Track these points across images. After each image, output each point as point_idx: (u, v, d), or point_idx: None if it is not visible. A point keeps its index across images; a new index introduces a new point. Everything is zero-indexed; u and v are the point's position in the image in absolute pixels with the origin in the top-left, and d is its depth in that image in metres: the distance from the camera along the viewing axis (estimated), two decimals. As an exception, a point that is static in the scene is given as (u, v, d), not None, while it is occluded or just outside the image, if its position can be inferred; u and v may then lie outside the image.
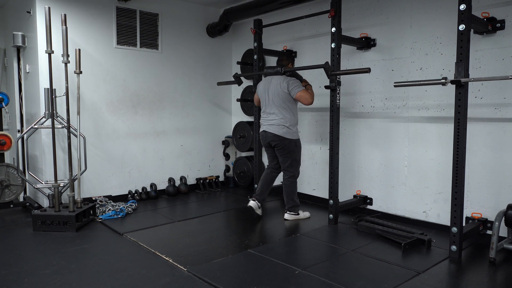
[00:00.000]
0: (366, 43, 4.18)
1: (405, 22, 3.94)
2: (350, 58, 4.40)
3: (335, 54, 3.78)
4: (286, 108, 3.88)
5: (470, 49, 2.96)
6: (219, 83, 5.22)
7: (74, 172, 4.16)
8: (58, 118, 4.13)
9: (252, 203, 4.09)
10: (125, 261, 3.06)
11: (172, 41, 5.26)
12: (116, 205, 4.38)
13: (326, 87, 3.84)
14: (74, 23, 4.42)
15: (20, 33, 4.58)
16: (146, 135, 5.13)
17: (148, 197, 5.03)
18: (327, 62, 3.66)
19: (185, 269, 2.87)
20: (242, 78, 4.87)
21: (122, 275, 2.79)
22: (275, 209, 4.67)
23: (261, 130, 4.04)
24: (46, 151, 4.36)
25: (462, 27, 2.89)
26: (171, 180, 5.30)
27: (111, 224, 3.96)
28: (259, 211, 4.15)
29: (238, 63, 5.45)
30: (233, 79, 4.78)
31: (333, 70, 3.62)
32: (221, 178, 5.90)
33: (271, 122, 3.91)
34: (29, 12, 4.37)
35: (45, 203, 4.38)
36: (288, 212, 4.09)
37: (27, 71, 4.64)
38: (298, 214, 4.10)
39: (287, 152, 3.94)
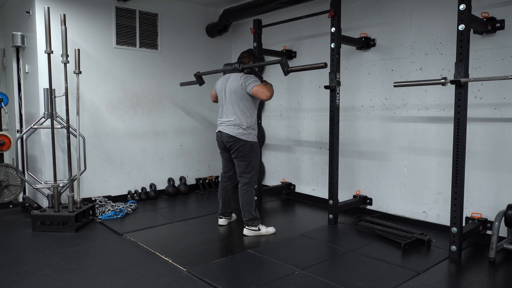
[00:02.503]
0: (365, 43, 4.18)
1: (404, 22, 3.94)
2: (349, 58, 4.40)
3: (335, 54, 3.78)
4: (243, 107, 3.58)
5: (469, 49, 2.95)
6: (182, 84, 5.01)
7: (73, 172, 4.15)
8: (58, 118, 4.13)
9: (221, 221, 3.94)
10: (125, 261, 3.06)
11: (172, 41, 5.26)
12: (115, 205, 4.38)
13: (326, 87, 3.84)
14: (73, 23, 4.41)
15: (19, 33, 4.58)
16: (146, 135, 5.12)
17: (147, 197, 5.03)
18: (284, 57, 3.39)
19: (184, 269, 2.87)
20: (204, 77, 4.52)
21: (121, 275, 2.79)
22: (274, 209, 4.67)
23: (216, 130, 3.76)
24: (46, 151, 4.36)
25: (461, 27, 2.89)
26: (170, 180, 5.30)
27: (111, 224, 3.96)
28: (233, 218, 4.08)
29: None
30: (195, 79, 4.50)
31: (288, 66, 3.36)
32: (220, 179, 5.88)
33: (227, 123, 3.62)
34: (29, 12, 4.37)
35: (44, 203, 4.37)
36: (246, 227, 3.65)
37: (27, 71, 4.63)
38: (258, 229, 3.63)
39: (242, 155, 3.60)
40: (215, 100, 3.95)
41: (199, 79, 4.44)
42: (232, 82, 3.63)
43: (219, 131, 3.71)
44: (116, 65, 4.81)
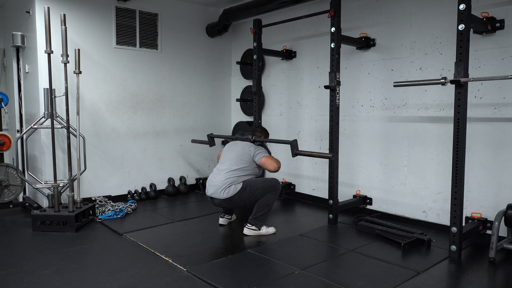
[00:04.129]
0: (365, 43, 4.18)
1: (404, 22, 3.94)
2: (349, 58, 4.40)
3: (335, 54, 3.78)
4: (242, 168, 3.59)
5: (469, 49, 2.95)
6: (193, 141, 5.07)
7: (73, 172, 4.15)
8: (58, 118, 4.13)
9: (222, 220, 3.96)
10: (125, 261, 3.06)
11: (172, 41, 5.26)
12: (115, 205, 4.38)
13: (326, 87, 3.84)
14: (73, 23, 4.41)
15: (19, 33, 4.58)
16: (146, 135, 5.12)
17: (147, 197, 5.03)
18: (295, 140, 3.53)
19: (184, 269, 2.87)
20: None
21: (121, 275, 2.79)
22: (274, 209, 4.66)
23: (207, 192, 3.68)
24: (46, 151, 4.36)
25: (461, 27, 2.89)
26: (170, 180, 5.30)
27: (111, 224, 3.96)
28: (233, 218, 4.09)
29: (237, 63, 5.45)
30: (207, 139, 4.62)
31: (298, 149, 3.51)
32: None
33: (215, 182, 3.59)
34: (29, 12, 4.37)
35: (44, 203, 4.37)
36: (247, 225, 3.65)
37: (27, 71, 4.64)
38: (259, 229, 3.64)
39: (245, 199, 3.56)
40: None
41: (210, 140, 4.56)
42: (241, 147, 3.75)
43: (210, 197, 3.67)
44: (116, 65, 4.81)
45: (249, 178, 3.65)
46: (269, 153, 3.88)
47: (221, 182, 3.56)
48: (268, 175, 5.04)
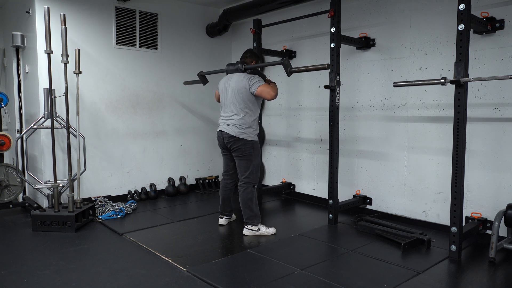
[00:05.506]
0: (365, 43, 4.18)
1: (404, 22, 3.94)
2: (349, 57, 4.40)
3: (335, 54, 3.78)
4: (245, 107, 3.56)
5: (469, 49, 2.96)
6: (186, 83, 5.01)
7: (73, 172, 4.15)
8: (58, 118, 4.13)
9: (221, 221, 3.94)
10: (125, 261, 3.06)
11: (172, 41, 5.26)
12: (115, 205, 4.38)
13: (326, 87, 3.84)
14: (73, 23, 4.41)
15: (19, 33, 4.58)
16: (146, 135, 5.12)
17: (147, 197, 5.03)
18: (286, 58, 3.41)
19: (184, 269, 2.87)
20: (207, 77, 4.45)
21: (121, 275, 2.79)
22: (274, 209, 4.67)
23: (218, 130, 3.73)
24: (46, 151, 4.36)
25: (461, 27, 2.89)
26: (170, 180, 5.30)
27: (111, 224, 3.96)
28: (233, 218, 4.09)
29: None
30: (198, 78, 4.45)
31: (291, 67, 3.38)
32: (221, 178, 5.88)
33: (228, 122, 3.60)
34: (28, 12, 4.37)
35: (44, 203, 4.37)
36: (246, 226, 3.63)
37: (27, 71, 4.63)
38: (258, 229, 3.60)
39: (243, 154, 3.58)
40: (219, 100, 3.93)
41: (202, 78, 4.41)
42: (235, 82, 3.62)
43: (220, 130, 3.69)
44: (116, 65, 4.81)
45: (256, 143, 3.63)
46: (264, 77, 3.71)
47: (235, 123, 3.55)
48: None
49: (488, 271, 2.87)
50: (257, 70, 3.70)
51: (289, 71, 3.38)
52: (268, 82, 3.70)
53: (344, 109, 4.40)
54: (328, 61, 4.32)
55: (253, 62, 3.76)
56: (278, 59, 5.16)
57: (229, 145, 3.64)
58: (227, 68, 3.76)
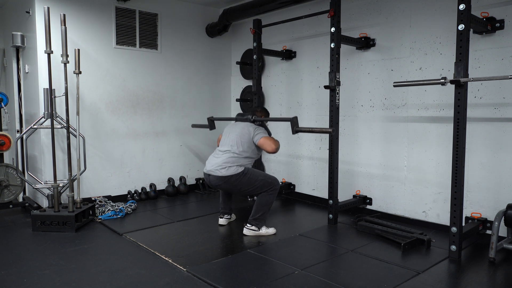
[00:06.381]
0: (365, 43, 4.18)
1: (404, 22, 3.94)
2: (349, 58, 4.40)
3: (335, 54, 3.78)
4: (242, 150, 3.57)
5: (469, 49, 2.95)
6: (194, 125, 5.09)
7: (73, 172, 4.15)
8: (58, 118, 4.13)
9: (221, 220, 3.95)
10: (125, 261, 3.06)
11: (172, 41, 5.26)
12: (115, 205, 4.38)
13: (326, 87, 3.84)
14: (73, 23, 4.41)
15: (19, 33, 4.58)
16: (146, 135, 5.12)
17: (147, 197, 5.03)
18: (295, 117, 3.50)
19: (184, 269, 2.87)
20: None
21: (121, 275, 2.79)
22: (274, 209, 4.66)
23: (205, 169, 3.68)
24: (46, 151, 4.36)
25: (461, 27, 2.89)
26: (170, 180, 5.30)
27: (111, 224, 3.96)
28: (233, 218, 4.09)
29: (237, 63, 5.45)
30: (207, 122, 4.54)
31: (298, 126, 3.48)
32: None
33: (215, 161, 3.59)
34: (28, 12, 4.37)
35: (44, 203, 4.37)
36: (246, 226, 3.63)
37: (27, 71, 4.63)
38: (258, 229, 3.61)
39: (242, 186, 3.54)
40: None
41: (211, 123, 4.49)
42: (241, 127, 3.72)
43: (207, 174, 3.66)
44: (116, 65, 4.81)
45: (250, 166, 3.63)
46: (269, 133, 3.82)
47: (222, 161, 3.54)
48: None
49: (488, 271, 2.87)
50: (264, 124, 3.88)
51: (295, 130, 3.50)
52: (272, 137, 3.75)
53: (344, 109, 4.40)
54: (328, 61, 4.33)
55: (262, 115, 3.90)
56: (278, 59, 5.19)
57: (220, 187, 3.68)
58: (237, 117, 3.91)
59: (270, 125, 5.36)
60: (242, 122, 3.79)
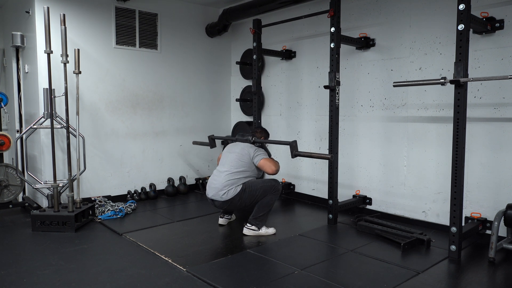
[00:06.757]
0: (365, 43, 4.18)
1: (404, 22, 3.94)
2: (349, 58, 4.40)
3: (334, 54, 3.78)
4: (242, 170, 3.60)
5: (469, 49, 2.96)
6: (194, 143, 5.07)
7: (73, 172, 4.15)
8: (57, 118, 4.12)
9: (221, 220, 3.96)
10: (124, 261, 3.06)
11: (171, 41, 5.26)
12: (115, 205, 4.38)
13: (326, 87, 3.84)
14: (73, 23, 4.41)
15: (19, 33, 4.58)
16: (145, 135, 5.12)
17: (147, 197, 5.03)
18: (294, 141, 3.52)
19: (184, 269, 2.87)
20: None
21: (121, 275, 2.79)
22: (274, 209, 4.66)
23: (207, 194, 3.70)
24: (45, 151, 4.36)
25: (461, 27, 2.89)
26: (170, 180, 5.30)
27: (110, 224, 3.96)
28: (233, 218, 4.10)
29: (237, 63, 5.45)
30: (208, 140, 4.50)
31: (297, 150, 3.50)
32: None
33: (215, 184, 3.60)
34: (28, 12, 4.37)
35: (44, 203, 4.37)
36: (246, 226, 3.64)
37: (26, 71, 4.63)
38: (258, 229, 3.63)
39: (246, 200, 3.59)
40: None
41: (211, 142, 4.49)
42: (241, 148, 3.74)
43: (211, 199, 3.68)
44: (116, 65, 4.81)
45: (249, 180, 3.65)
46: (269, 154, 3.87)
47: (221, 185, 3.57)
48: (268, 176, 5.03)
49: (488, 271, 2.87)
50: (264, 146, 3.90)
51: (294, 154, 3.52)
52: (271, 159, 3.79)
53: (343, 109, 4.39)
54: (327, 61, 4.33)
55: (262, 137, 3.92)
56: (278, 58, 5.19)
57: (227, 209, 3.80)
58: (238, 138, 3.92)
59: (270, 126, 5.36)
60: (242, 143, 3.83)
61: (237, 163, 3.64)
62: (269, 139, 4.06)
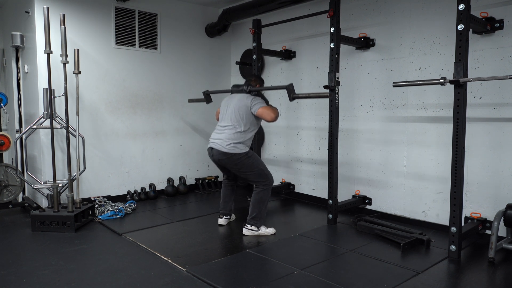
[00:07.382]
0: (365, 43, 4.18)
1: (404, 22, 3.94)
2: (349, 58, 4.40)
3: (334, 54, 3.78)
4: (242, 123, 3.55)
5: (469, 49, 2.96)
6: (190, 100, 5.08)
7: (73, 172, 4.15)
8: (57, 119, 4.12)
9: (221, 221, 3.94)
10: (124, 261, 3.06)
11: (171, 41, 5.26)
12: (115, 205, 4.38)
13: (325, 87, 3.84)
14: (73, 23, 4.41)
15: (18, 33, 4.58)
16: (145, 135, 5.12)
17: (147, 197, 5.03)
18: (291, 84, 3.49)
19: (184, 269, 2.87)
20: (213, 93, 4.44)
21: (121, 275, 2.79)
22: (274, 209, 4.67)
23: (208, 146, 3.71)
24: (45, 152, 4.36)
25: (461, 27, 2.89)
26: (170, 180, 5.30)
27: (110, 224, 3.96)
28: (233, 218, 4.09)
29: (237, 63, 5.45)
30: (203, 96, 4.46)
31: (294, 93, 3.47)
32: (220, 178, 5.88)
33: (219, 137, 3.59)
34: (28, 12, 4.37)
35: (44, 203, 4.37)
36: (246, 226, 3.64)
37: (26, 71, 4.63)
38: (258, 229, 3.61)
39: (242, 167, 3.57)
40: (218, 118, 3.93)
41: (207, 97, 4.44)
42: (238, 100, 3.66)
43: (210, 147, 3.68)
44: (116, 65, 4.81)
45: (254, 154, 3.63)
46: (267, 102, 3.73)
47: (226, 137, 3.53)
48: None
49: (488, 271, 2.87)
50: (261, 93, 3.79)
51: (292, 97, 3.48)
52: (269, 106, 3.72)
53: (343, 109, 4.39)
54: (327, 61, 4.33)
55: (258, 85, 3.81)
56: (278, 58, 5.19)
57: (222, 162, 3.65)
58: (232, 89, 3.84)
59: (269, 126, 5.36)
60: (238, 94, 3.73)
61: (237, 117, 3.57)
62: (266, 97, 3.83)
